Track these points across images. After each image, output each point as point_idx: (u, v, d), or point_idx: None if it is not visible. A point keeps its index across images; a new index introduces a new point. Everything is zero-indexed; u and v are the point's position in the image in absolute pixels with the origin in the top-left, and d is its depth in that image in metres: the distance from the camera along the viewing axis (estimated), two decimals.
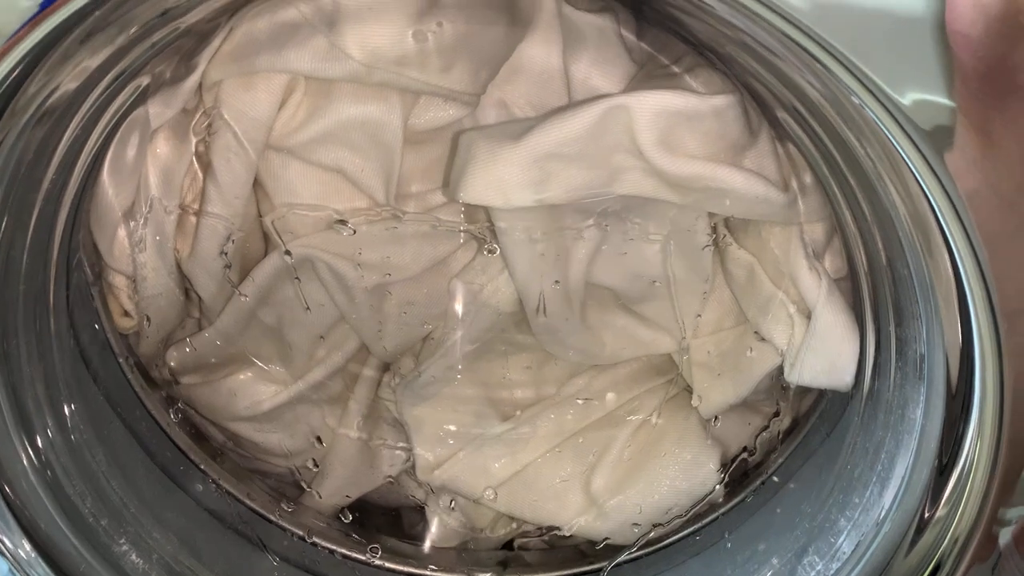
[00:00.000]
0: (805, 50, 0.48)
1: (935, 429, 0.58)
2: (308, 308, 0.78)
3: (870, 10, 0.46)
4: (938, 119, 0.48)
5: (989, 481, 0.57)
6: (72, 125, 0.58)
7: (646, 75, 0.70)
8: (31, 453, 0.65)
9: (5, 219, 0.60)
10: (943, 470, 0.59)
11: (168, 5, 0.52)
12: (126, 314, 0.79)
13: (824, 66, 0.48)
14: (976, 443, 0.56)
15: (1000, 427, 0.55)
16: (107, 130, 0.65)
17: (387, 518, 0.90)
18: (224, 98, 0.70)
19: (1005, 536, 0.76)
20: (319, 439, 0.84)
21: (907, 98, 0.47)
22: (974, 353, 0.53)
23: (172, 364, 0.82)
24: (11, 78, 0.51)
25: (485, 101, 0.71)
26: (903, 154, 0.49)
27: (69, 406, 0.70)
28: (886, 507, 0.63)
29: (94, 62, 0.54)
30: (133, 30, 0.53)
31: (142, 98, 0.67)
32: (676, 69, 0.68)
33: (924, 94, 0.47)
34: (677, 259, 0.74)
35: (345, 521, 0.86)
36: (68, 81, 0.53)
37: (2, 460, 0.64)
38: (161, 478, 0.79)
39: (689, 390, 0.80)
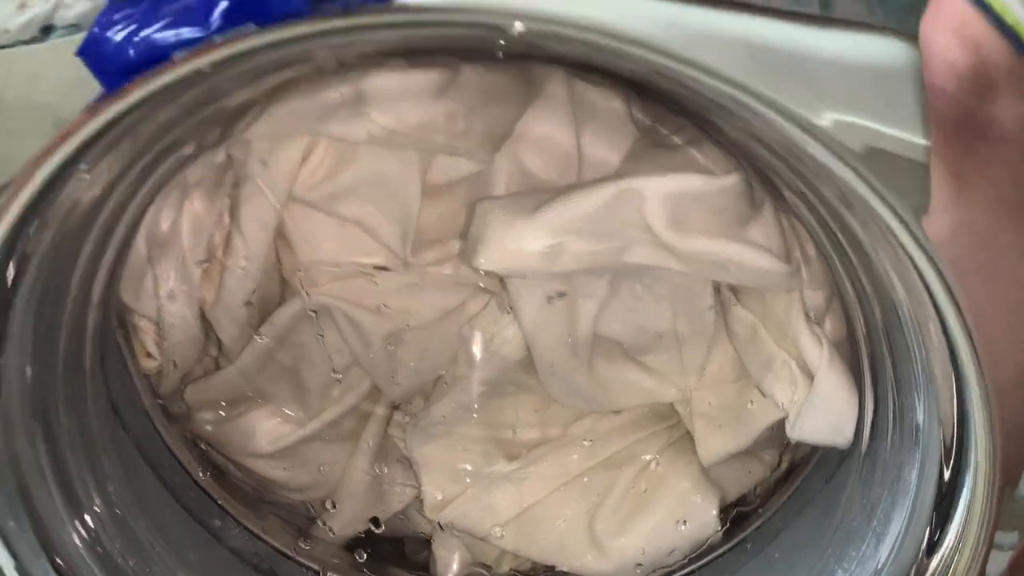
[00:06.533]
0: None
1: (930, 492, 0.61)
2: (331, 359, 0.80)
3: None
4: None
5: (983, 536, 0.59)
6: (113, 198, 0.60)
7: (651, 143, 0.73)
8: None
9: (48, 301, 0.62)
10: (938, 529, 0.61)
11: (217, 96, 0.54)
12: (149, 355, 0.81)
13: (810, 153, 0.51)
14: (969, 505, 0.58)
15: (993, 493, 0.57)
16: (146, 196, 0.67)
17: (392, 546, 0.92)
18: (252, 155, 0.73)
19: (1000, 563, 0.77)
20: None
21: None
22: (969, 429, 0.55)
23: (190, 401, 0.84)
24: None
25: (499, 158, 0.74)
26: (896, 234, 0.52)
27: (108, 465, 0.72)
28: (882, 561, 0.65)
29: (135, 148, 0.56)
30: (177, 116, 0.55)
31: (183, 165, 0.69)
32: (678, 140, 0.71)
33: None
34: (682, 317, 0.76)
35: (360, 560, 0.88)
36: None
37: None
38: (184, 517, 0.81)
39: (691, 435, 0.82)
